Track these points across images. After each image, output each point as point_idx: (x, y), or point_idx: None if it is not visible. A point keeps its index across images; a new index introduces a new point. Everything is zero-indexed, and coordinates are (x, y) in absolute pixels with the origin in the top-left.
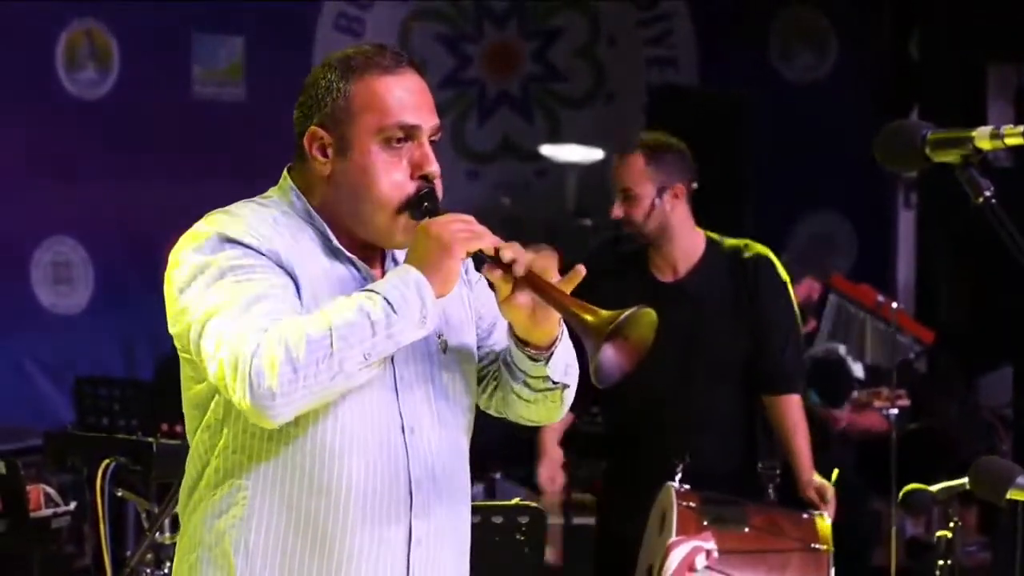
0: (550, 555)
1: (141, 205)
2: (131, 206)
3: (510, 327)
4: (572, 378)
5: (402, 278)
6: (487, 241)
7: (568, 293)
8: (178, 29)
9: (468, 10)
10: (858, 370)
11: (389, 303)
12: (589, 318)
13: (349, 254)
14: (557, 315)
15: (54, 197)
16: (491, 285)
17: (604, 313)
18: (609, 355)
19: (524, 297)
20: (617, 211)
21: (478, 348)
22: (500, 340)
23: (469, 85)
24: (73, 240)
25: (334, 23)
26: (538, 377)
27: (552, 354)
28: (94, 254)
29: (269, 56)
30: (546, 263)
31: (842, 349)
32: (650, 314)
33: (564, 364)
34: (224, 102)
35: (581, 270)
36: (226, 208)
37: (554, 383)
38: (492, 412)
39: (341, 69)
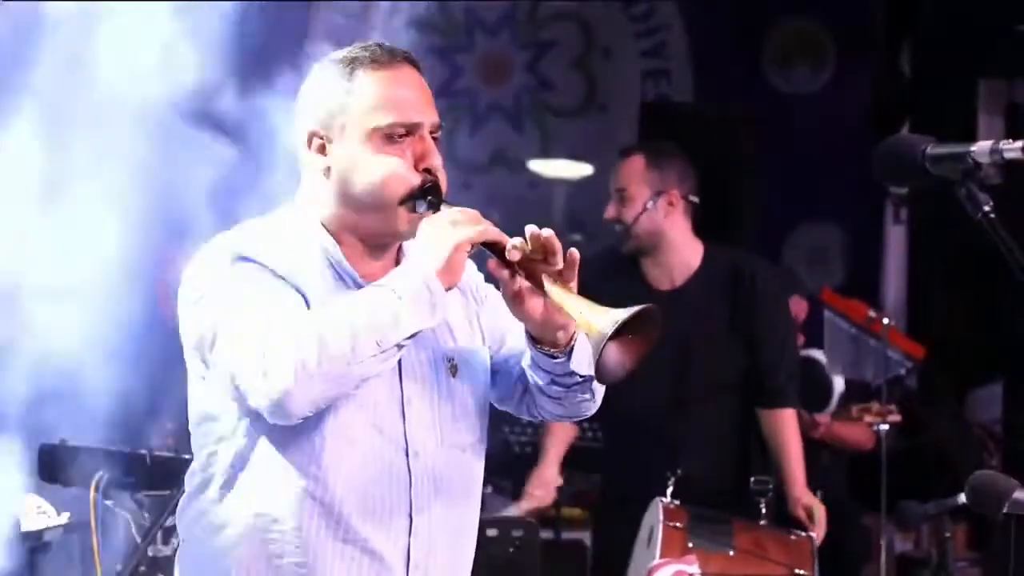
0: None
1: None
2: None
3: (526, 329)
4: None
5: (408, 271)
6: (491, 234)
7: (574, 290)
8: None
9: (459, 20)
10: (839, 382)
11: (396, 293)
12: (592, 316)
13: (359, 276)
14: None
15: None
16: (497, 285)
17: (608, 311)
18: (612, 353)
19: (532, 295)
20: (610, 211)
21: (495, 358)
22: (517, 346)
23: (460, 96)
24: None
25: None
26: (564, 374)
27: (572, 349)
28: None
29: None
30: (553, 259)
31: (820, 355)
32: (653, 311)
33: (588, 356)
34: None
35: (575, 253)
36: (237, 227)
37: (582, 377)
38: (526, 416)
39: (337, 68)
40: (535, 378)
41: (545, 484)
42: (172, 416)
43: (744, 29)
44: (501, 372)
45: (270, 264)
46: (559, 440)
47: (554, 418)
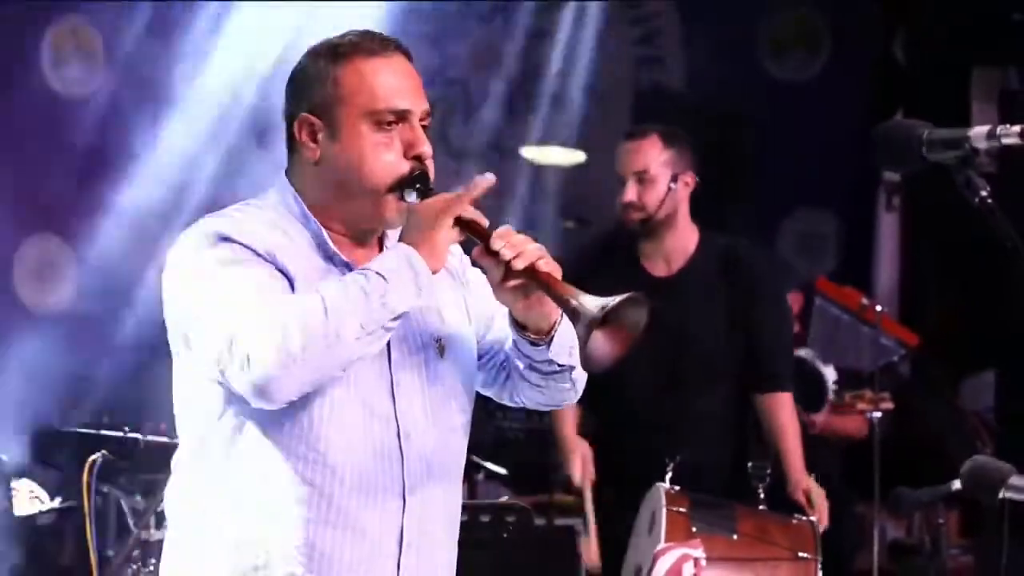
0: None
1: (126, 203)
2: (116, 204)
3: (510, 313)
4: (578, 359)
5: (392, 253)
6: (470, 211)
7: (560, 278)
8: (163, 28)
9: (453, 8)
10: (829, 373)
11: (380, 275)
12: (579, 303)
13: (345, 258)
14: None
15: (38, 195)
16: (483, 271)
17: (595, 298)
18: (599, 341)
19: (516, 282)
20: (630, 194)
21: (482, 343)
22: (502, 331)
23: (454, 83)
24: (57, 238)
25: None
26: (543, 361)
27: (552, 337)
28: (78, 252)
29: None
30: (538, 248)
31: (808, 353)
32: (640, 299)
33: (567, 346)
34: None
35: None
36: (221, 211)
37: (560, 366)
38: (508, 402)
39: (329, 55)
40: (515, 363)
41: (582, 457)
42: (165, 401)
43: (738, 16)
44: (486, 357)
45: (253, 245)
46: (568, 423)
47: (536, 405)
